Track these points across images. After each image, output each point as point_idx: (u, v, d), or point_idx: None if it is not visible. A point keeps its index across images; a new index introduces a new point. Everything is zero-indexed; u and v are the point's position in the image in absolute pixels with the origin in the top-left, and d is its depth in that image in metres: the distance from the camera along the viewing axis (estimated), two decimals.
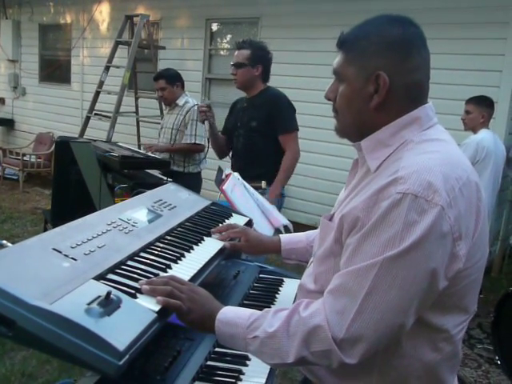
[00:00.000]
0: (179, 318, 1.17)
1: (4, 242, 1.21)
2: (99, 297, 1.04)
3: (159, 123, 6.73)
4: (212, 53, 7.11)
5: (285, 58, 6.21)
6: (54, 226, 1.27)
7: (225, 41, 7.15)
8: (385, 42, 1.13)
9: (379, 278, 1.00)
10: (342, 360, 1.02)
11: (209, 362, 1.31)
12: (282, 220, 2.36)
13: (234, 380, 1.24)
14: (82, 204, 3.43)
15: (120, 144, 4.18)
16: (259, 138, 3.35)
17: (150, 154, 3.95)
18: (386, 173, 1.08)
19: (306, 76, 6.06)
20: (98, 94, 7.13)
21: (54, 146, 6.17)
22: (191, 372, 1.22)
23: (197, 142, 4.24)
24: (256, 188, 2.54)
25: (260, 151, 3.35)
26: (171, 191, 1.92)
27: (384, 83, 1.11)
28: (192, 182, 4.25)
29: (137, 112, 7.35)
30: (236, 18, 6.74)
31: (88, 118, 7.18)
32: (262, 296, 1.75)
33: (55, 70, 9.44)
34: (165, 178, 3.70)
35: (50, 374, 3.03)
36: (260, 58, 3.37)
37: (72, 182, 3.89)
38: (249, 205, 2.27)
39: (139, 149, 5.25)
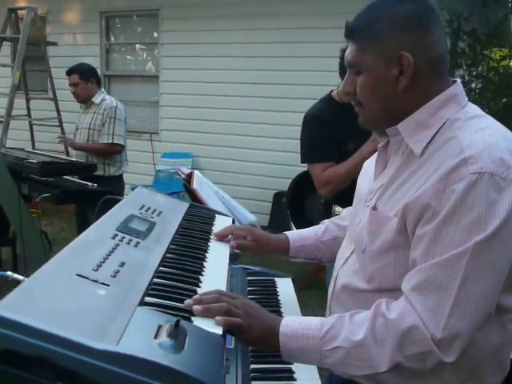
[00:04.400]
0: (239, 336, 1.02)
1: (9, 273, 0.97)
2: (160, 327, 0.86)
3: (57, 126, 6.29)
4: (109, 48, 6.72)
5: (188, 51, 6.04)
6: None
7: (123, 35, 6.77)
8: (399, 20, 1.07)
9: (471, 266, 0.93)
10: (441, 360, 0.95)
11: (253, 366, 1.17)
12: (249, 217, 2.24)
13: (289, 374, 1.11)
14: None
15: (30, 150, 3.80)
16: None
17: (72, 158, 3.61)
18: (444, 154, 1.01)
19: (211, 69, 5.92)
20: None
21: None
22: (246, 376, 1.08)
23: (114, 141, 3.94)
24: None
25: None
26: (147, 195, 1.72)
27: (408, 63, 1.05)
28: (115, 186, 3.97)
29: (29, 115, 6.75)
30: (133, 10, 6.43)
31: None
32: (264, 300, 1.61)
33: None
34: (89, 184, 3.42)
35: None
36: None
37: None
38: (217, 203, 2.12)
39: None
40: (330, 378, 1.29)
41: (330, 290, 1.30)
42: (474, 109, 1.12)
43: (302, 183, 5.01)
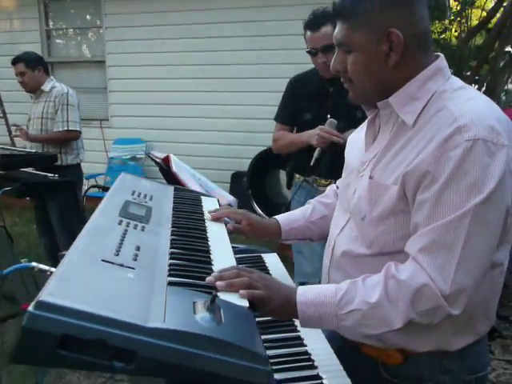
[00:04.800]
0: (260, 308, 1.06)
1: (34, 263, 0.97)
2: (195, 303, 0.90)
3: (0, 117, 6.04)
4: (50, 34, 6.48)
5: (134, 35, 5.92)
6: None
7: (64, 19, 6.53)
8: None
9: (472, 226, 1.01)
10: (449, 313, 1.03)
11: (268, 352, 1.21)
12: (227, 197, 2.27)
13: (310, 363, 1.17)
14: None
15: None
16: None
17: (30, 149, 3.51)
18: (437, 124, 1.09)
19: (159, 52, 5.85)
20: None
21: None
22: None
23: (70, 128, 3.85)
24: None
25: None
26: (133, 181, 1.72)
27: (398, 39, 1.11)
28: (74, 176, 3.90)
29: None
30: None
31: None
32: None
33: None
34: (50, 175, 3.34)
35: None
36: None
37: None
38: (196, 185, 2.14)
39: None
40: (330, 339, 1.36)
41: (327, 259, 1.36)
42: (457, 81, 1.19)
43: (262, 163, 5.07)
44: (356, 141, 1.41)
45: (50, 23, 6.54)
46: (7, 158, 2.98)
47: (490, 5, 6.35)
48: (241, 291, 1.01)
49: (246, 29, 5.46)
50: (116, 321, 0.76)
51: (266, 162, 5.03)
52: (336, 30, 1.19)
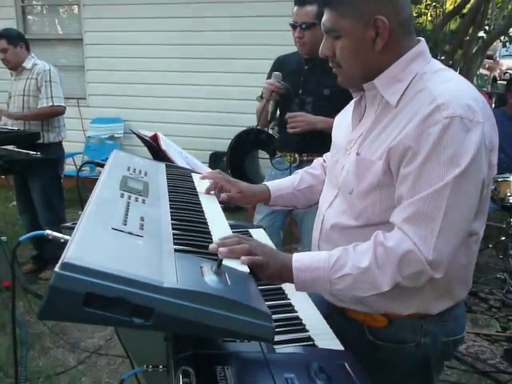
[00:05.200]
0: (258, 273, 1.14)
1: (48, 231, 1.03)
2: (202, 267, 0.97)
3: None
4: (26, 10, 6.36)
5: (112, 13, 5.87)
6: None
7: None
8: None
9: (452, 196, 1.11)
10: (432, 276, 1.13)
11: None
12: None
13: (302, 326, 1.26)
14: None
15: None
16: (332, 111, 2.55)
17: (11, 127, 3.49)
18: (418, 103, 1.18)
19: (137, 30, 5.82)
20: None
21: None
22: None
23: (55, 104, 3.83)
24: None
25: None
26: (126, 158, 1.77)
27: (384, 25, 1.19)
28: (56, 153, 3.90)
29: None
30: None
31: None
32: None
33: None
34: (32, 153, 3.35)
35: None
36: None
37: None
38: (183, 163, 2.19)
39: None
40: (319, 306, 1.45)
41: (317, 232, 1.44)
42: (437, 63, 1.28)
43: (240, 143, 5.13)
44: (342, 121, 1.50)
45: None
46: None
47: None
48: (242, 257, 1.09)
49: (223, 10, 5.46)
50: (135, 281, 0.82)
51: (245, 142, 5.10)
52: (324, 18, 1.26)
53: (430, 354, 1.33)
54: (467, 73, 6.02)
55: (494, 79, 13.40)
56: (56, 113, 3.86)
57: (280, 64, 2.87)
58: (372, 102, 1.32)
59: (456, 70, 6.30)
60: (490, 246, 4.21)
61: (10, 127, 3.55)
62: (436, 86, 1.18)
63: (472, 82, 6.16)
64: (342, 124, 1.48)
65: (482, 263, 4.42)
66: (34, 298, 3.36)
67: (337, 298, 1.35)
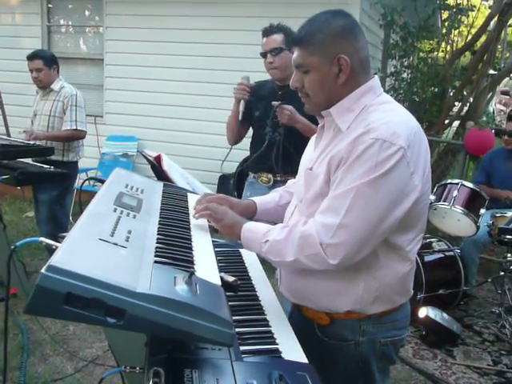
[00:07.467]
0: (215, 225, 1.55)
1: (42, 238, 1.15)
2: (175, 277, 1.08)
3: None
4: (51, 30, 6.63)
5: (133, 36, 6.09)
6: None
7: (66, 17, 6.69)
8: (336, 31, 1.42)
9: (356, 199, 1.31)
10: (327, 261, 1.33)
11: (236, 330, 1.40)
12: None
13: (272, 339, 1.36)
14: None
15: None
16: (300, 136, 2.81)
17: (30, 141, 3.67)
18: (358, 128, 1.37)
19: (156, 54, 6.02)
20: None
21: None
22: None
23: (78, 127, 4.07)
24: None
25: (299, 149, 2.37)
26: (127, 176, 1.90)
27: (346, 63, 1.40)
28: (71, 172, 4.07)
29: None
30: None
31: None
32: (233, 267, 1.86)
33: None
34: (46, 166, 3.51)
35: None
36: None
37: None
38: (184, 183, 2.32)
39: None
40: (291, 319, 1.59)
41: None
42: (385, 97, 1.49)
43: (246, 167, 5.25)
44: (310, 145, 1.70)
45: (52, 19, 6.68)
46: (6, 148, 3.13)
47: (480, 22, 6.56)
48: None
49: (242, 36, 5.64)
50: (111, 285, 0.94)
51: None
52: (295, 55, 1.48)
53: (368, 352, 1.49)
54: (476, 108, 6.11)
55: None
56: (78, 136, 4.10)
57: (258, 88, 3.11)
58: (329, 127, 1.52)
59: (465, 105, 6.40)
60: (489, 280, 4.25)
61: (25, 141, 3.72)
62: (375, 116, 1.38)
63: (481, 117, 6.25)
64: (310, 147, 1.69)
65: (481, 297, 4.46)
66: None
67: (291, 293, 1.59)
